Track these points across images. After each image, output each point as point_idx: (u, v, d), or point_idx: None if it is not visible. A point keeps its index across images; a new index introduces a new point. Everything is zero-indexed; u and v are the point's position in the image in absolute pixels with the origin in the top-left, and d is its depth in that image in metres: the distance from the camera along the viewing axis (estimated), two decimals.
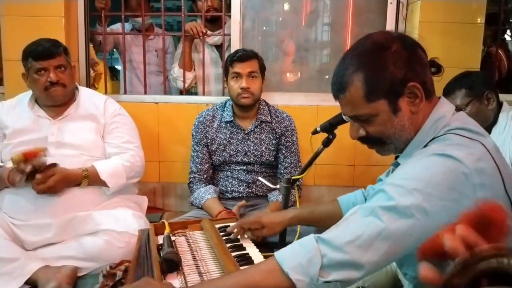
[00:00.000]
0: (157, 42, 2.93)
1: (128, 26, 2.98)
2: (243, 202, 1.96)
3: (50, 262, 1.71)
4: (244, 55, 2.06)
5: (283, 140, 2.13)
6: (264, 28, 2.61)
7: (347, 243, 0.83)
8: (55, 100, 1.93)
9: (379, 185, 1.03)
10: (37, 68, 1.87)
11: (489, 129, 1.88)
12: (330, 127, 1.34)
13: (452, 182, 0.84)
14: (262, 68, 2.11)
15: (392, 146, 1.03)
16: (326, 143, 1.38)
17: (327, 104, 2.44)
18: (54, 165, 1.79)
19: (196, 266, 1.20)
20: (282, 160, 2.14)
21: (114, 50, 3.17)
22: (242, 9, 2.44)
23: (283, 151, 2.13)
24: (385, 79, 0.94)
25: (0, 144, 1.92)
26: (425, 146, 0.97)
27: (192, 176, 2.16)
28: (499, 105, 1.91)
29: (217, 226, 1.49)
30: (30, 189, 1.76)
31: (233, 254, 1.24)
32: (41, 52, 1.87)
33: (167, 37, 2.96)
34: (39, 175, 1.71)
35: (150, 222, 1.88)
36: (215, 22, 2.58)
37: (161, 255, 1.19)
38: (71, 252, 1.75)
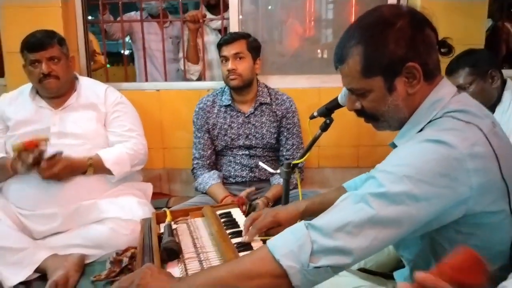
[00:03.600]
0: (172, 29, 2.90)
1: (144, 14, 2.96)
2: (252, 188, 1.96)
3: (58, 251, 1.76)
4: (229, 38, 2.06)
5: (284, 122, 2.13)
6: (264, 10, 2.56)
7: (337, 230, 0.84)
8: (50, 92, 1.95)
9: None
10: (31, 60, 1.89)
11: (493, 107, 1.85)
12: (326, 112, 1.34)
13: (444, 169, 0.83)
14: (253, 49, 2.08)
15: (386, 123, 1.03)
16: (324, 127, 1.37)
17: (329, 86, 2.42)
18: (59, 153, 1.80)
19: (197, 254, 1.21)
20: (284, 142, 2.14)
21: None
22: None
23: (285, 133, 2.13)
24: (384, 56, 0.93)
25: (4, 136, 1.95)
26: (421, 130, 0.96)
27: (195, 162, 2.17)
28: (503, 82, 1.87)
29: (218, 212, 1.50)
30: (35, 179, 1.79)
31: (233, 240, 1.25)
32: (34, 44, 1.87)
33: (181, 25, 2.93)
34: (44, 163, 1.74)
35: (157, 208, 1.92)
36: (217, 8, 2.56)
37: (161, 244, 1.21)
38: (78, 240, 1.79)
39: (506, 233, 0.90)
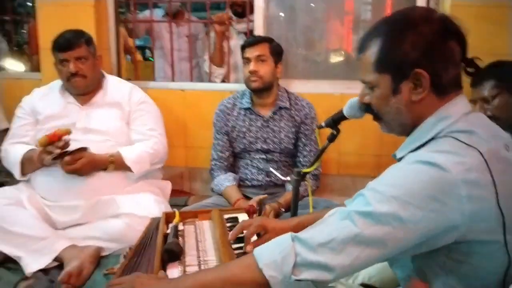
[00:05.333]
0: (188, 27, 2.95)
1: (160, 11, 3.03)
2: (265, 196, 1.96)
3: (77, 242, 1.84)
4: (253, 40, 2.08)
5: (302, 128, 2.12)
6: (289, 14, 2.56)
7: (321, 245, 0.84)
8: (77, 90, 2.04)
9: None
10: (60, 59, 1.98)
11: None
12: (333, 123, 1.33)
13: (434, 192, 0.81)
14: (276, 53, 2.10)
15: (388, 125, 1.02)
16: (331, 138, 1.36)
17: (352, 92, 2.38)
18: (84, 149, 1.89)
19: (197, 257, 1.24)
20: (301, 148, 2.14)
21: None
22: None
23: (303, 139, 2.13)
24: (397, 55, 0.92)
25: (34, 129, 2.06)
26: (421, 146, 0.94)
27: (213, 163, 2.21)
28: None
29: (226, 216, 1.52)
30: (60, 173, 1.88)
31: (234, 246, 1.27)
32: (62, 44, 1.97)
33: (197, 23, 2.98)
34: (68, 157, 1.83)
35: (176, 206, 1.96)
36: (243, 14, 2.59)
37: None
38: (96, 233, 1.87)
39: (499, 264, 0.86)
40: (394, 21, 0.97)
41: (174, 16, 2.86)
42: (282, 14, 2.55)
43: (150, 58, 6.74)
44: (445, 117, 0.92)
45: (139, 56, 3.41)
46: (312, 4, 2.53)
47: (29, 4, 3.25)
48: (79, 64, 1.98)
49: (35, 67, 2.92)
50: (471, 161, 0.83)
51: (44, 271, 1.73)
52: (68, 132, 1.84)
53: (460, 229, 0.82)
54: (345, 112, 1.27)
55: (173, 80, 2.69)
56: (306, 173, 1.52)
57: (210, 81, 2.66)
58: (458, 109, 0.94)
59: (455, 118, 0.92)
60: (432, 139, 0.92)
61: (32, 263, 1.74)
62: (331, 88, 2.45)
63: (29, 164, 1.96)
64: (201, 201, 2.16)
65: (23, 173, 1.99)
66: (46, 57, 2.43)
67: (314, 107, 2.18)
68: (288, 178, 1.57)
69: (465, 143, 0.86)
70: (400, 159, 0.98)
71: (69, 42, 1.96)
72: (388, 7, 2.47)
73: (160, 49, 2.94)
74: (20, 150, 1.97)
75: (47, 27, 2.42)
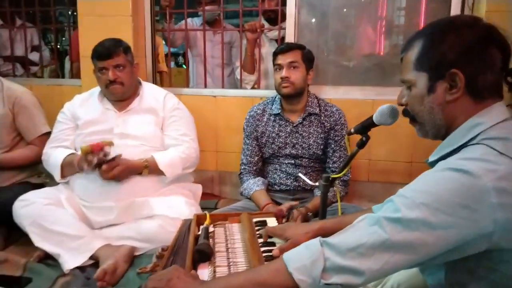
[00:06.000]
0: (224, 35, 3.01)
1: (199, 20, 3.11)
2: (295, 203, 1.97)
3: (112, 241, 1.92)
4: (285, 47, 2.11)
5: (332, 134, 2.13)
6: (320, 22, 2.58)
7: (350, 250, 0.85)
8: (115, 97, 2.12)
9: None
10: (99, 67, 2.07)
11: None
12: (362, 129, 1.33)
13: (465, 200, 0.80)
14: (307, 60, 2.12)
15: (422, 126, 1.03)
16: (360, 145, 1.37)
17: (383, 98, 2.38)
18: (118, 156, 1.96)
19: (227, 259, 1.27)
20: (331, 154, 2.14)
21: None
22: (298, 3, 2.45)
23: (332, 145, 2.13)
24: (435, 54, 0.95)
25: (74, 134, 2.16)
26: (454, 150, 0.94)
27: (242, 168, 2.25)
28: None
29: (255, 220, 1.55)
30: (97, 175, 1.96)
31: (262, 249, 1.30)
32: (101, 53, 2.05)
33: (233, 31, 3.05)
34: (105, 166, 1.91)
35: (206, 208, 2.01)
36: (276, 20, 2.63)
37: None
38: (130, 233, 1.94)
39: None
40: (438, 24, 0.99)
41: (211, 24, 2.93)
42: (313, 20, 2.58)
43: (183, 65, 6.97)
44: (479, 123, 0.92)
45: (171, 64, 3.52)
46: (344, 10, 2.54)
47: (70, 13, 3.41)
48: (117, 72, 2.06)
49: (75, 74, 3.06)
50: (503, 169, 0.82)
51: (81, 268, 1.82)
52: (111, 145, 1.94)
53: (493, 237, 0.81)
54: (375, 119, 1.28)
55: (205, 86, 2.75)
56: (335, 178, 1.53)
57: (241, 87, 2.71)
58: (493, 115, 0.93)
59: (489, 124, 0.91)
60: (465, 145, 0.92)
61: (70, 261, 1.82)
62: (362, 94, 2.45)
63: (68, 168, 2.06)
64: (230, 204, 2.20)
65: (63, 176, 2.09)
66: (86, 64, 2.54)
67: (345, 113, 2.18)
68: (317, 184, 1.58)
69: (498, 151, 0.85)
70: (432, 164, 0.99)
71: (108, 50, 2.05)
72: (422, 12, 2.45)
73: (196, 56, 3.01)
74: (60, 154, 2.07)
75: (88, 36, 2.53)
